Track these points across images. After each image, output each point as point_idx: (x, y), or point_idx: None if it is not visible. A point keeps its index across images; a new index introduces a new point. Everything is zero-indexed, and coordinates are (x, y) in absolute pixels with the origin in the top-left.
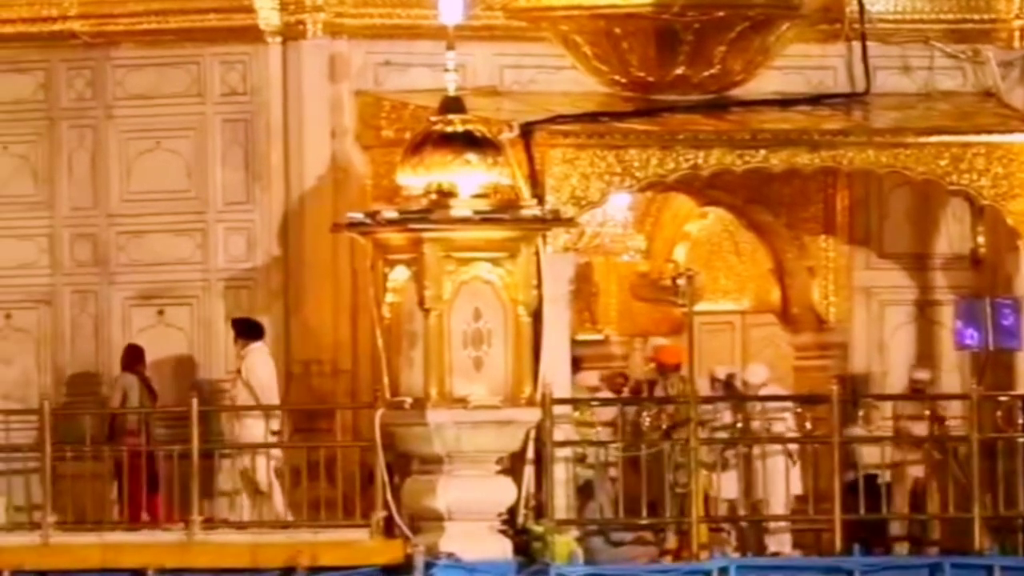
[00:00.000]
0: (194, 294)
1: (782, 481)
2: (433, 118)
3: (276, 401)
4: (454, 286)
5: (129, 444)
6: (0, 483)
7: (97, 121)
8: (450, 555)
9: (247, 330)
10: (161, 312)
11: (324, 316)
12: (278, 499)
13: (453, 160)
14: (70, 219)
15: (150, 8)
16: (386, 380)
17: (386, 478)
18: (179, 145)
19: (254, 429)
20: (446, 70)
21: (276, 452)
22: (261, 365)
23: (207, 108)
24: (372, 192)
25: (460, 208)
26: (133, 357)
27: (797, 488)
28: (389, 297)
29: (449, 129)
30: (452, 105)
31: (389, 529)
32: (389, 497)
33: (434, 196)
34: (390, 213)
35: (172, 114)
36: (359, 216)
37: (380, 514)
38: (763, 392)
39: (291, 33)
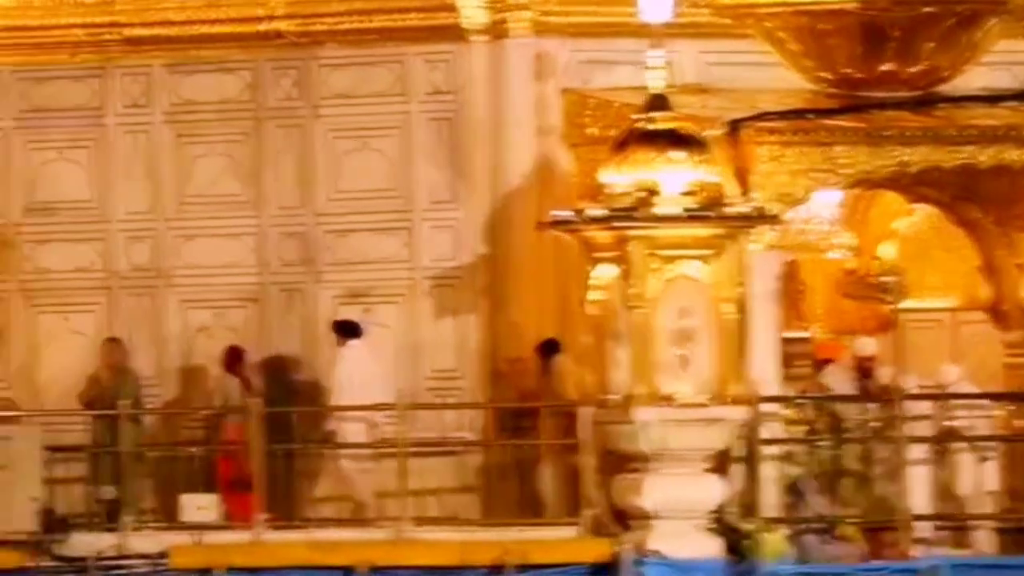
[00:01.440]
0: (400, 292)
1: (980, 478)
2: (638, 116)
3: (369, 400)
4: (660, 284)
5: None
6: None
7: (303, 120)
8: (658, 553)
9: (341, 330)
10: (368, 310)
11: (529, 314)
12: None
13: (658, 158)
14: (277, 218)
15: (354, 8)
16: (593, 378)
17: (594, 476)
18: (384, 144)
19: (348, 429)
20: (652, 68)
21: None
22: (342, 364)
23: (411, 107)
24: (577, 190)
25: (666, 206)
26: (234, 358)
27: (991, 485)
28: (595, 295)
29: (654, 127)
30: (657, 102)
31: (597, 527)
32: (598, 495)
33: (639, 194)
34: (595, 211)
35: (377, 113)
36: (564, 214)
37: (588, 512)
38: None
39: (496, 32)
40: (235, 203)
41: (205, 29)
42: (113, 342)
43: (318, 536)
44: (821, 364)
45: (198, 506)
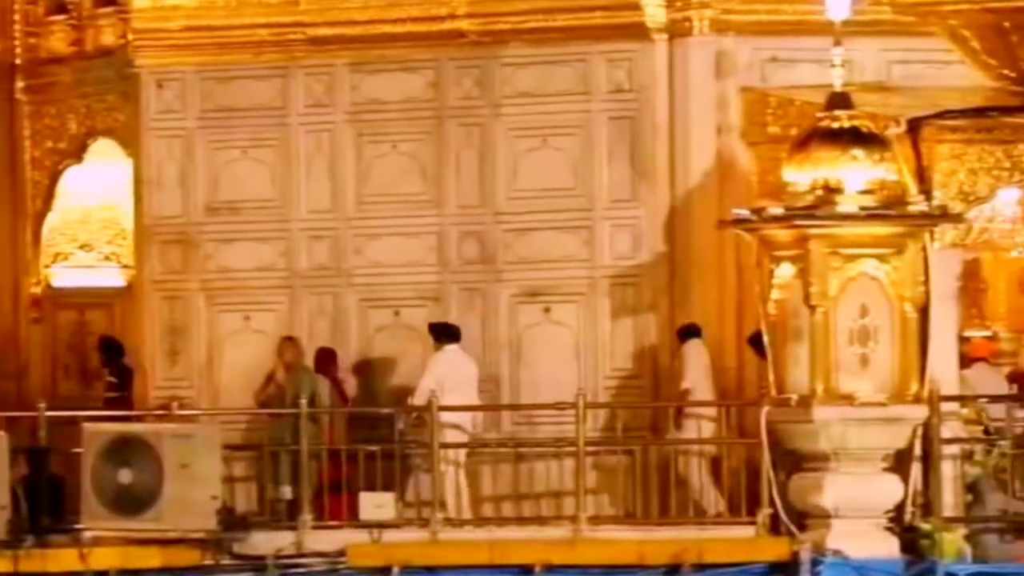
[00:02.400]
0: (580, 291)
1: None
2: (819, 114)
3: (460, 401)
4: (840, 283)
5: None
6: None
7: (484, 119)
8: (836, 552)
9: (438, 332)
10: (547, 309)
11: (709, 313)
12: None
13: (839, 156)
14: (458, 217)
15: (537, 6)
16: (772, 377)
17: (772, 475)
18: (565, 143)
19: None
20: (832, 65)
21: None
22: (435, 367)
23: (593, 105)
24: (758, 188)
25: (846, 204)
26: (325, 359)
27: None
28: (774, 294)
29: (835, 125)
30: (839, 101)
31: (775, 526)
32: (775, 494)
33: (820, 192)
34: (776, 209)
35: (558, 112)
36: (745, 213)
37: (766, 511)
38: None
39: (677, 30)
40: (416, 202)
41: (388, 28)
42: (290, 341)
43: (495, 535)
44: (971, 362)
45: (376, 504)
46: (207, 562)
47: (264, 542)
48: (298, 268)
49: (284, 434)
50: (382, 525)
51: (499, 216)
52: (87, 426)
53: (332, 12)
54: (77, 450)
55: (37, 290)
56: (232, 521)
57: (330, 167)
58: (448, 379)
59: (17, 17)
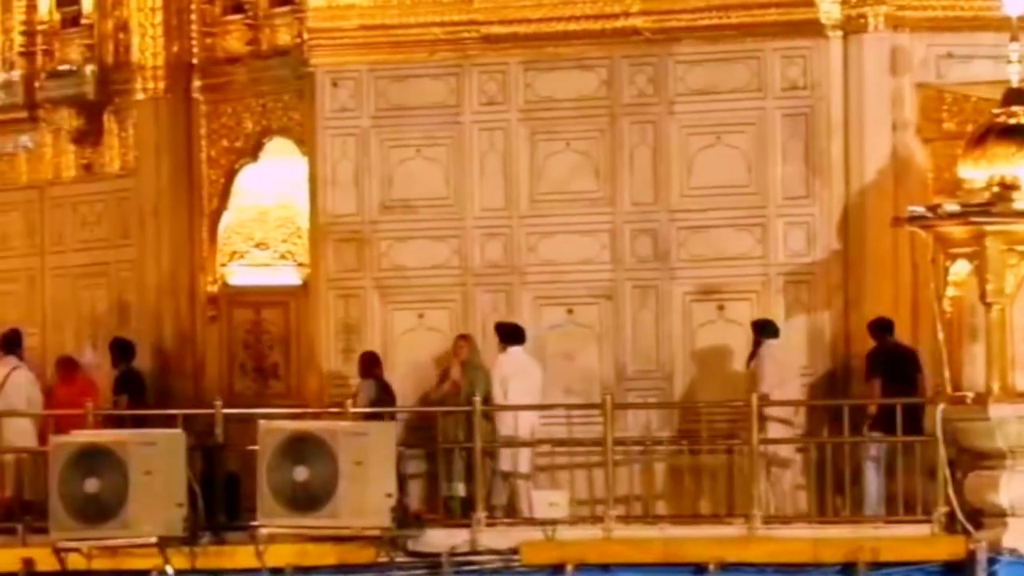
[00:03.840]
0: (754, 289)
1: None
2: (996, 110)
3: (514, 401)
4: (1017, 280)
5: None
6: (563, 477)
7: (658, 117)
8: (1013, 551)
9: (503, 334)
10: (721, 307)
11: (884, 311)
12: None
13: (1016, 153)
14: (631, 214)
15: (711, 4)
16: (947, 375)
17: (948, 473)
18: (739, 140)
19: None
20: (1009, 62)
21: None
22: (497, 369)
23: (767, 103)
24: (933, 185)
25: (1023, 201)
26: (371, 363)
27: None
28: (950, 291)
29: (1013, 121)
30: (1015, 97)
31: (951, 525)
32: (951, 492)
33: (996, 189)
34: (951, 207)
35: (732, 109)
36: (920, 210)
37: (942, 510)
38: None
39: (852, 27)
40: (589, 199)
41: (561, 27)
42: (464, 339)
43: (669, 533)
44: None
45: (550, 502)
46: (382, 559)
47: (438, 540)
48: (472, 266)
49: (458, 431)
50: (555, 522)
51: (673, 213)
52: (263, 424)
53: (506, 10)
54: (253, 447)
55: (213, 288)
56: (406, 518)
57: (504, 165)
58: (511, 381)
59: (194, 17)
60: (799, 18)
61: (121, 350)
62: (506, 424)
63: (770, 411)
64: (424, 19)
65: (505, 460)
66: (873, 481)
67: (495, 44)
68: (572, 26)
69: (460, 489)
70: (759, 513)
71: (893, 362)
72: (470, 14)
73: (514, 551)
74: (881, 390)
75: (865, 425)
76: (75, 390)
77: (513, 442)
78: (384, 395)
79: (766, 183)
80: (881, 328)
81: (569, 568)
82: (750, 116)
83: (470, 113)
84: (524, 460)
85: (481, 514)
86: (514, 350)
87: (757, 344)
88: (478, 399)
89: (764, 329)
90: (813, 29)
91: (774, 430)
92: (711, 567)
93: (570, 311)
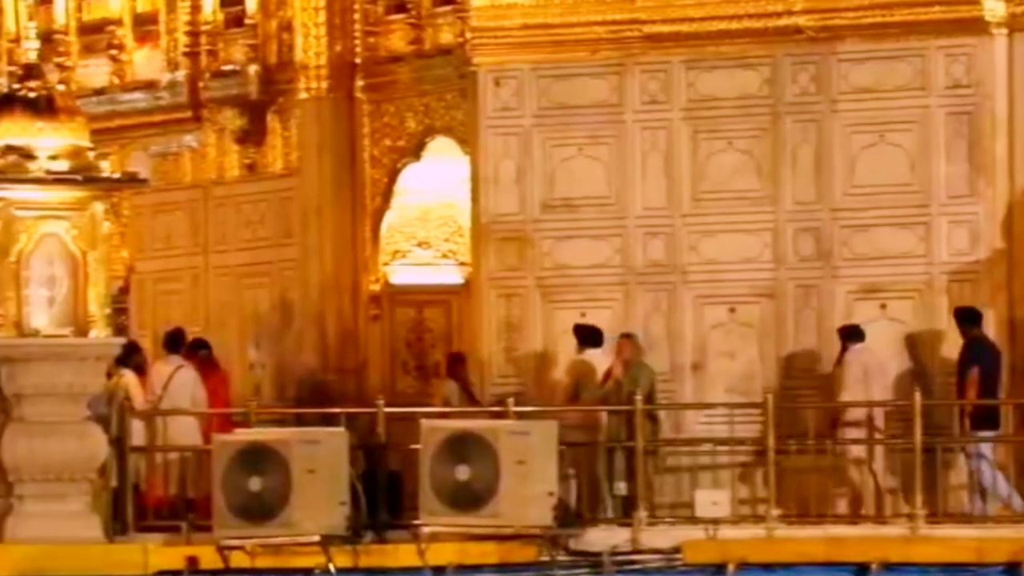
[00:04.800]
0: (916, 288)
1: None
2: None
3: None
4: None
5: None
6: (725, 476)
7: (821, 116)
8: None
9: (581, 336)
10: (884, 306)
11: None
12: None
13: None
14: (793, 213)
15: (875, 2)
16: None
17: None
18: (902, 138)
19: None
20: None
21: None
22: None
23: (930, 101)
24: None
25: None
26: (453, 363)
27: None
28: None
29: None
30: None
31: None
32: None
33: None
34: None
35: (895, 107)
36: None
37: None
38: None
39: (1017, 24)
40: (751, 198)
41: (724, 25)
42: (627, 338)
43: (831, 532)
44: None
45: (712, 501)
46: (543, 558)
47: (600, 539)
48: (633, 265)
49: (620, 431)
50: (717, 521)
51: (835, 212)
52: (425, 422)
53: (669, 9)
54: (415, 446)
55: (376, 287)
56: (568, 517)
57: (666, 164)
58: (587, 381)
59: (357, 17)
60: (963, 16)
61: None
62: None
63: (850, 415)
64: (587, 18)
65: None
66: (997, 480)
67: (657, 43)
68: (735, 25)
69: (622, 488)
70: (922, 512)
71: (988, 354)
72: (633, 13)
73: (676, 550)
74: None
75: (966, 421)
76: (209, 386)
77: (674, 441)
78: (465, 397)
79: (929, 182)
80: (970, 318)
81: (731, 567)
82: (913, 114)
83: (632, 112)
84: None
85: (642, 513)
86: (591, 353)
87: (844, 349)
88: (639, 398)
89: (850, 334)
90: (977, 27)
91: (852, 434)
92: (873, 567)
93: (732, 310)
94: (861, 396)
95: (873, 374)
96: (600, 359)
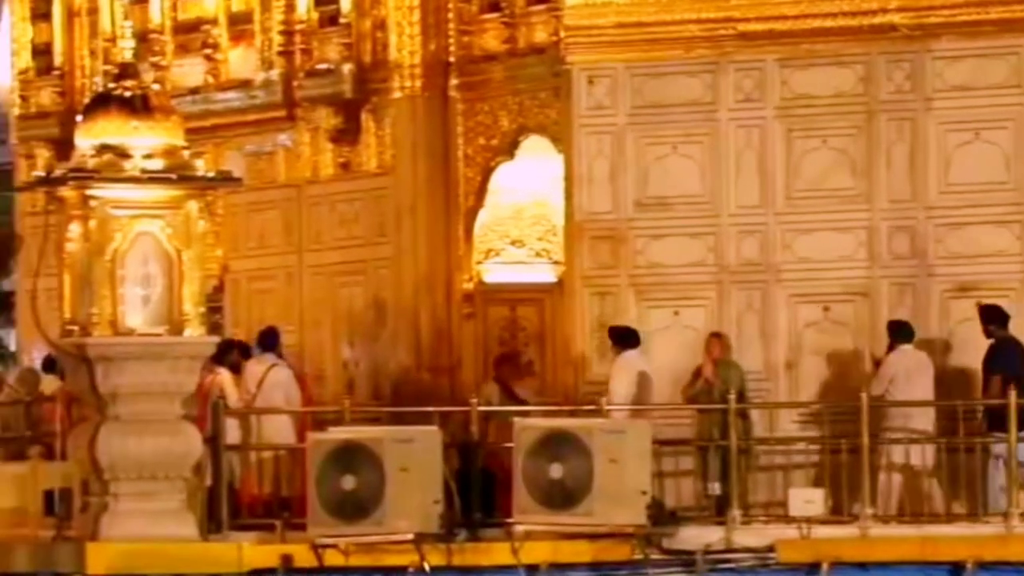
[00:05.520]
0: (1012, 287)
1: None
2: None
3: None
4: None
5: None
6: (818, 475)
7: (915, 114)
8: None
9: (616, 337)
10: (979, 304)
11: None
12: None
13: None
14: (888, 212)
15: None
16: None
17: None
18: (998, 136)
19: None
20: None
21: None
22: (616, 372)
23: None
24: None
25: None
26: (501, 364)
27: None
28: None
29: None
30: None
31: None
32: None
33: None
34: None
35: (990, 105)
36: None
37: None
38: None
39: None
40: (845, 197)
41: (818, 23)
42: (717, 337)
43: (926, 531)
44: None
45: (805, 500)
46: (636, 557)
47: (693, 537)
48: (727, 263)
49: (712, 430)
50: (811, 521)
51: (930, 211)
52: (518, 421)
53: (763, 7)
54: (508, 444)
55: (469, 286)
56: (662, 516)
57: (759, 162)
58: (631, 385)
59: (451, 15)
60: None
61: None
62: None
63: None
64: (681, 16)
65: None
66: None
67: (752, 41)
68: (829, 23)
69: (715, 488)
70: (1017, 511)
71: (1014, 357)
72: (727, 11)
73: (769, 549)
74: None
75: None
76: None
77: (767, 440)
78: (506, 400)
79: None
80: (997, 319)
81: (825, 566)
82: (1009, 112)
83: (726, 110)
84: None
85: (736, 512)
86: (628, 354)
87: (891, 347)
88: (732, 397)
89: (898, 332)
90: None
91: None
92: (968, 566)
93: (826, 309)
94: (899, 397)
95: (914, 376)
96: (637, 360)
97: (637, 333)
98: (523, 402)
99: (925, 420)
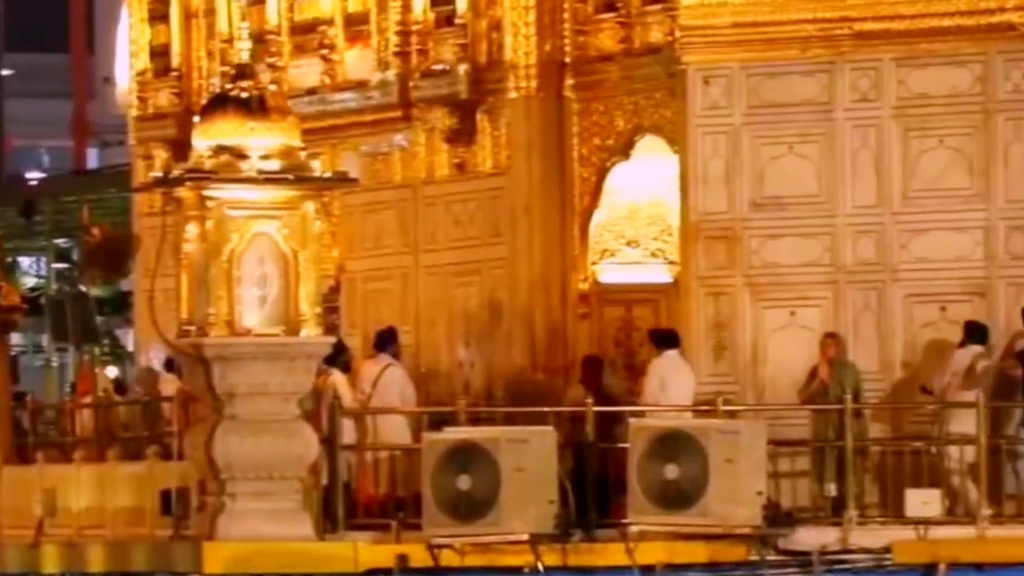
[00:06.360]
0: None
1: None
2: None
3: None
4: None
5: None
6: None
7: None
8: None
9: (657, 339)
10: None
11: None
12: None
13: None
14: (1006, 211)
15: None
16: None
17: None
18: None
19: None
20: None
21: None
22: (656, 369)
23: None
24: None
25: None
26: (587, 367)
27: None
28: None
29: None
30: None
31: None
32: None
33: None
34: None
35: None
36: None
37: None
38: None
39: None
40: (962, 196)
41: (935, 22)
42: (832, 337)
43: None
44: None
45: (923, 501)
46: (752, 558)
47: (809, 538)
48: (843, 263)
49: (828, 430)
50: (928, 522)
51: None
52: (633, 421)
53: (879, 6)
54: (623, 445)
55: (584, 286)
56: (777, 517)
57: (876, 162)
58: (668, 384)
59: (567, 16)
60: None
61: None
62: None
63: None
64: (796, 16)
65: None
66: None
67: (868, 40)
68: (946, 22)
69: (831, 488)
70: None
71: None
72: (843, 11)
73: (886, 550)
74: None
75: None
76: None
77: (883, 440)
78: (598, 399)
79: None
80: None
81: (942, 567)
82: None
83: (842, 110)
84: None
85: (852, 512)
86: (669, 354)
87: (962, 344)
88: (848, 397)
89: (971, 333)
90: None
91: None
92: None
93: (943, 308)
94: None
95: (969, 377)
96: (678, 360)
97: (677, 334)
98: (613, 402)
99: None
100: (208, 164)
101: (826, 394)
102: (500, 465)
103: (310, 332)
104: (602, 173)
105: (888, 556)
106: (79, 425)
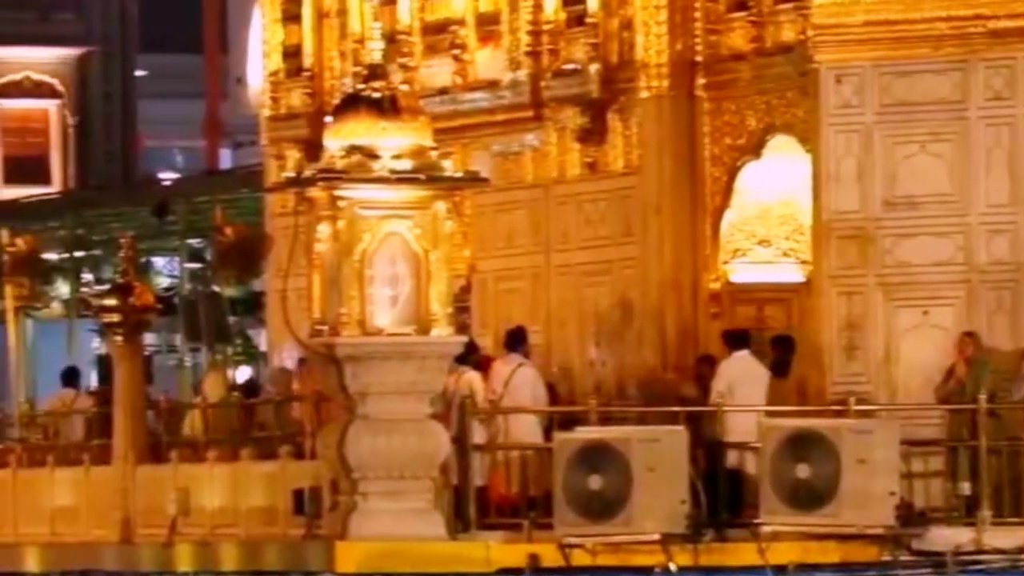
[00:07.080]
0: None
1: None
2: None
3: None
4: None
5: None
6: None
7: None
8: None
9: (729, 339)
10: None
11: None
12: None
13: None
14: None
15: None
16: None
17: None
18: None
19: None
20: None
21: None
22: (725, 369)
23: None
24: None
25: None
26: (701, 365)
27: None
28: None
29: None
30: None
31: None
32: None
33: None
34: None
35: None
36: None
37: None
38: None
39: None
40: None
41: None
42: (969, 336)
43: None
44: None
45: None
46: (885, 558)
47: (943, 538)
48: (977, 263)
49: (962, 430)
50: None
51: None
52: (764, 421)
53: (1013, 4)
54: (754, 444)
55: (716, 286)
56: (911, 517)
57: (1010, 161)
58: (737, 385)
59: (698, 15)
60: None
61: None
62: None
63: None
64: (929, 14)
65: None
66: None
67: (1002, 38)
68: None
69: (965, 488)
70: None
71: None
72: (976, 8)
73: (1021, 550)
74: None
75: None
76: None
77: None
78: (703, 400)
79: None
80: None
81: None
82: None
83: (975, 108)
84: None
85: (987, 512)
86: (739, 354)
87: None
88: (983, 397)
89: None
90: None
91: None
92: None
93: None
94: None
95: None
96: (749, 361)
97: (749, 334)
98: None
99: None
100: (340, 164)
101: (962, 393)
102: (631, 465)
103: (441, 332)
104: (733, 172)
105: (1023, 557)
106: (203, 425)
